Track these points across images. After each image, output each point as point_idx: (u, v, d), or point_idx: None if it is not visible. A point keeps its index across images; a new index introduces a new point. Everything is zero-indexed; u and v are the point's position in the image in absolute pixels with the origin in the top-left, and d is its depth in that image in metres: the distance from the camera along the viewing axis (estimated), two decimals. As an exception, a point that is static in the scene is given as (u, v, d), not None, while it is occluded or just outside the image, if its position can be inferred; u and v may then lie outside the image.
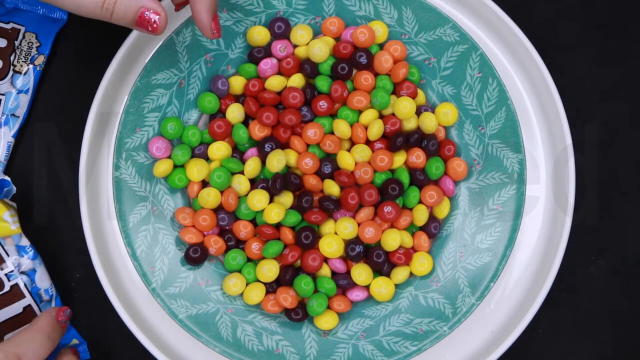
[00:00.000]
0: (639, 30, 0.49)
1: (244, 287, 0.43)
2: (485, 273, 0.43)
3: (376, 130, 0.43)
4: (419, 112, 0.44)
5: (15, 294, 0.43)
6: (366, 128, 0.44)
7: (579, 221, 0.46)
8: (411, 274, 0.44)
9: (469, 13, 0.47)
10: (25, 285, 0.44)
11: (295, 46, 0.45)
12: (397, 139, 0.43)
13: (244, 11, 0.45)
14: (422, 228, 0.45)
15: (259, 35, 0.45)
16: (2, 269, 0.43)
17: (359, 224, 0.43)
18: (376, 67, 0.44)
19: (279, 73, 0.45)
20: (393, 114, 0.44)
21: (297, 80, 0.44)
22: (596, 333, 0.47)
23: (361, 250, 0.42)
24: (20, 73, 0.46)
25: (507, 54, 0.47)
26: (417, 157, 0.44)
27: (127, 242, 0.43)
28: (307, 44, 0.45)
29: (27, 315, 0.44)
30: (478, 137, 0.45)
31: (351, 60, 0.44)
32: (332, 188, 0.43)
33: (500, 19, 0.45)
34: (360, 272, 0.43)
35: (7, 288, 0.43)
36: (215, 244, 0.43)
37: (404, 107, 0.43)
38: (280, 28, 0.45)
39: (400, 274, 0.43)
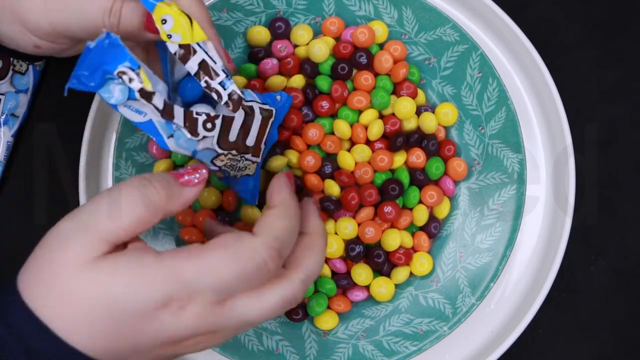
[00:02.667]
0: (639, 30, 0.49)
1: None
2: (485, 273, 0.43)
3: (376, 130, 0.43)
4: (419, 112, 0.44)
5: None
6: (366, 128, 0.44)
7: (579, 221, 0.46)
8: (411, 274, 0.44)
9: (469, 13, 0.47)
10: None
11: (295, 46, 0.45)
12: (397, 139, 0.43)
13: (244, 11, 0.45)
14: (422, 228, 0.45)
15: (259, 35, 0.45)
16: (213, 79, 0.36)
17: (359, 224, 0.43)
18: (376, 67, 0.44)
19: (279, 73, 0.45)
20: (393, 114, 0.44)
21: (297, 80, 0.44)
22: (596, 333, 0.47)
23: (361, 250, 0.42)
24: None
25: (507, 54, 0.47)
26: (417, 157, 0.44)
27: (127, 242, 0.43)
28: (307, 44, 0.44)
29: None
30: (478, 137, 0.45)
31: (351, 60, 0.44)
32: (332, 188, 0.43)
33: (500, 19, 0.45)
34: (360, 272, 0.43)
35: (225, 98, 0.36)
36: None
37: (404, 107, 0.43)
38: (281, 28, 0.45)
39: (400, 274, 0.43)
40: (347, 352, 0.43)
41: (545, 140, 0.46)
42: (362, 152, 0.43)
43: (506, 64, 0.47)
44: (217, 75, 0.35)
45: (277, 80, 0.44)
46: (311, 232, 0.35)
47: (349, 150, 0.44)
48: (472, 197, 0.45)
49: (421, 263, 0.44)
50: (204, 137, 0.35)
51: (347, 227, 0.42)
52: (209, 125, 0.35)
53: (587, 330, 0.47)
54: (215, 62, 0.35)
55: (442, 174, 0.44)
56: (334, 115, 0.44)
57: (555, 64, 0.46)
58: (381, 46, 0.45)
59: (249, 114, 0.36)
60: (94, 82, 0.31)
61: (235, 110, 0.35)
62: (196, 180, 0.33)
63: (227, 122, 0.35)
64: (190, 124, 0.34)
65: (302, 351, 0.43)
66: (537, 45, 0.45)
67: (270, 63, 0.44)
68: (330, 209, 0.42)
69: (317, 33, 0.45)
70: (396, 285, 0.44)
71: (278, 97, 0.40)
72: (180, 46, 0.34)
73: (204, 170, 0.34)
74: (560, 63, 0.48)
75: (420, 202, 0.44)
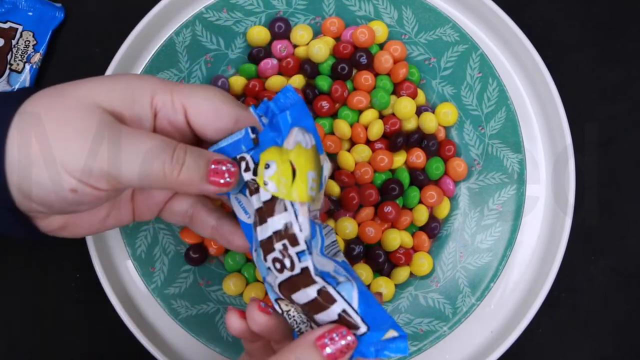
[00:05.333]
0: (639, 30, 0.49)
1: (243, 287, 0.43)
2: (485, 273, 0.43)
3: (376, 130, 0.43)
4: (419, 112, 0.44)
5: (305, 277, 0.32)
6: (366, 128, 0.44)
7: (579, 221, 0.46)
8: (411, 274, 0.44)
9: (469, 13, 0.47)
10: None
11: (295, 46, 0.45)
12: (397, 139, 0.43)
13: (244, 11, 0.45)
14: (422, 228, 0.45)
15: (259, 35, 0.45)
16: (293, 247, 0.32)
17: (359, 224, 0.43)
18: (376, 67, 0.44)
19: (279, 73, 0.45)
20: (393, 114, 0.44)
21: (297, 80, 0.44)
22: (596, 333, 0.47)
23: (361, 250, 0.42)
24: (17, 71, 0.46)
25: (507, 54, 0.47)
26: (417, 157, 0.44)
27: (127, 242, 0.43)
28: (307, 44, 0.44)
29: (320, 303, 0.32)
30: (478, 137, 0.45)
31: (351, 60, 0.44)
32: (332, 188, 0.43)
33: (500, 19, 0.45)
34: (361, 272, 0.43)
35: (297, 270, 0.32)
36: (215, 244, 0.43)
37: (404, 107, 0.43)
38: (281, 28, 0.45)
39: (400, 274, 0.43)
40: (347, 352, 0.43)
41: (545, 140, 0.46)
42: (362, 152, 0.43)
43: (506, 64, 0.47)
44: (298, 244, 0.31)
45: (277, 81, 0.44)
46: None
47: (349, 150, 0.44)
48: (472, 197, 0.45)
49: (421, 263, 0.44)
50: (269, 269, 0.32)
51: (347, 227, 0.42)
52: (277, 265, 0.32)
53: (587, 330, 0.47)
54: (301, 230, 0.31)
55: (442, 174, 0.44)
56: (334, 115, 0.44)
57: (555, 64, 0.46)
58: (381, 46, 0.45)
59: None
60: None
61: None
62: (223, 181, 0.32)
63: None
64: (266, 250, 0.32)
65: (302, 351, 0.43)
66: (537, 45, 0.45)
67: (270, 63, 0.44)
68: (330, 209, 0.43)
69: (317, 33, 0.45)
70: (396, 285, 0.44)
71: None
72: (273, 197, 0.31)
73: (233, 168, 0.32)
74: (560, 63, 0.48)
75: (420, 202, 0.44)
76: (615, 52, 0.49)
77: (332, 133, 0.44)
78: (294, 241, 0.31)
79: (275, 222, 0.31)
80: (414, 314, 0.44)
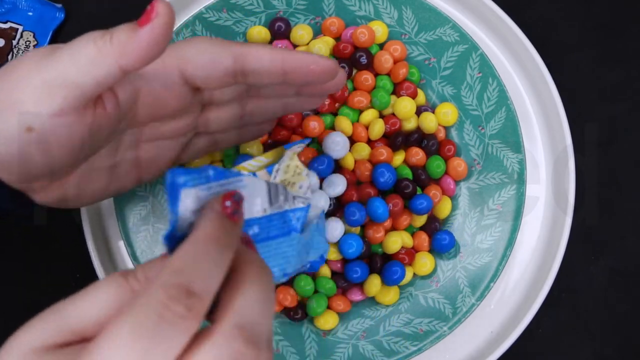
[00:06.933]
0: (639, 30, 0.49)
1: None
2: (485, 273, 0.43)
3: (377, 129, 0.43)
4: (419, 112, 0.44)
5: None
6: (366, 128, 0.44)
7: (579, 221, 0.46)
8: (413, 274, 0.44)
9: (469, 13, 0.47)
10: None
11: (295, 46, 0.45)
12: (396, 138, 0.43)
13: (244, 11, 0.45)
14: (423, 228, 0.44)
15: (259, 35, 0.45)
16: None
17: (363, 226, 0.43)
18: (376, 67, 0.44)
19: (279, 73, 0.45)
20: (393, 114, 0.44)
21: (297, 80, 0.44)
22: (596, 333, 0.47)
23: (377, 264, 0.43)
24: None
25: (507, 54, 0.47)
26: (417, 156, 0.44)
27: (127, 242, 0.43)
28: (307, 44, 0.44)
29: None
30: (478, 137, 0.45)
31: (351, 60, 0.44)
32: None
33: (500, 19, 0.45)
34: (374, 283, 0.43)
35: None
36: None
37: (404, 107, 0.43)
38: (281, 28, 0.45)
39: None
40: (347, 352, 0.43)
41: (545, 140, 0.46)
42: (362, 150, 0.43)
43: (506, 64, 0.47)
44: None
45: (277, 80, 0.44)
46: (237, 262, 0.25)
47: (349, 149, 0.44)
48: (472, 197, 0.45)
49: (423, 263, 0.43)
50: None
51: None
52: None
53: (587, 330, 0.47)
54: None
55: (443, 172, 0.44)
56: (334, 113, 0.44)
57: (555, 64, 0.46)
58: (381, 46, 0.45)
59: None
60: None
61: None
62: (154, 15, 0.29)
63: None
64: None
65: (302, 351, 0.43)
66: (537, 45, 0.45)
67: (270, 63, 0.44)
68: (330, 208, 0.42)
69: (317, 33, 0.45)
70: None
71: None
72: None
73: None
74: (560, 63, 0.48)
75: (420, 202, 0.44)
76: (615, 52, 0.49)
77: (332, 129, 0.44)
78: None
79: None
80: (414, 314, 0.44)
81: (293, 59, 0.33)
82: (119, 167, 0.36)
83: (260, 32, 0.45)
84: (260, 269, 0.25)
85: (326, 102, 0.43)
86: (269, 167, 0.34)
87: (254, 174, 0.34)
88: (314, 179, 0.37)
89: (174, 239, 0.26)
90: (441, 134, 0.45)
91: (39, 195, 0.33)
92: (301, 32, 0.44)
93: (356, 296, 0.43)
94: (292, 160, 0.35)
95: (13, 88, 0.29)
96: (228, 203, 0.26)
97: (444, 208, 0.44)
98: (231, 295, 0.24)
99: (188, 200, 0.26)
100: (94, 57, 0.29)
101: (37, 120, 0.29)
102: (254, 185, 0.30)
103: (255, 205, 0.31)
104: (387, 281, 0.42)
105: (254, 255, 0.26)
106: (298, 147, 0.36)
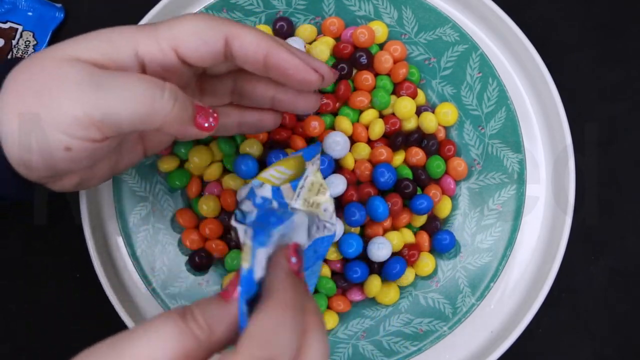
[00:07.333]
0: (639, 30, 0.49)
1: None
2: (485, 273, 0.43)
3: (378, 129, 0.43)
4: (419, 112, 0.44)
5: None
6: (367, 128, 0.44)
7: (579, 221, 0.46)
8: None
9: (469, 13, 0.47)
10: None
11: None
12: (396, 138, 0.43)
13: (244, 11, 0.45)
14: (423, 228, 0.44)
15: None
16: None
17: (363, 225, 0.43)
18: (376, 67, 0.44)
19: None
20: (393, 114, 0.44)
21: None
22: (596, 333, 0.47)
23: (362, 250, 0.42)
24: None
25: (507, 54, 0.47)
26: (417, 156, 0.44)
27: (127, 242, 0.43)
28: (310, 43, 0.45)
29: None
30: (478, 137, 0.45)
31: (351, 60, 0.44)
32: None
33: (500, 19, 0.45)
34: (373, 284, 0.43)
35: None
36: (216, 246, 0.43)
37: (404, 107, 0.43)
38: (283, 28, 0.44)
39: (405, 277, 0.43)
40: (347, 352, 0.43)
41: (545, 140, 0.46)
42: (362, 150, 0.43)
43: (506, 64, 0.47)
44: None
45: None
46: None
47: (349, 149, 0.44)
48: (472, 197, 0.45)
49: (425, 263, 0.43)
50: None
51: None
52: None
53: (587, 330, 0.47)
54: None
55: (444, 172, 0.44)
56: (334, 113, 0.44)
57: (555, 64, 0.46)
58: (381, 46, 0.45)
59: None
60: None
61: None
62: (207, 125, 0.32)
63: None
64: None
65: (302, 351, 0.43)
66: (537, 45, 0.45)
67: (270, 63, 0.44)
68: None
69: (317, 33, 0.45)
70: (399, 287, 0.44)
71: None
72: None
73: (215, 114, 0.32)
74: (560, 63, 0.48)
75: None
76: (615, 52, 0.49)
77: (332, 129, 0.44)
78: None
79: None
80: (414, 314, 0.44)
81: (276, 56, 0.33)
82: (124, 144, 0.37)
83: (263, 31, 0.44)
84: (320, 320, 0.27)
85: (327, 102, 0.43)
86: (293, 182, 0.34)
87: (278, 188, 0.33)
88: (339, 226, 0.38)
89: (248, 293, 0.27)
90: (441, 134, 0.45)
91: (55, 186, 0.34)
92: (306, 31, 0.45)
93: (356, 296, 0.43)
94: (315, 177, 0.34)
95: (57, 111, 0.30)
96: (294, 260, 0.27)
97: (444, 208, 0.44)
98: (300, 351, 0.25)
99: (261, 257, 0.27)
100: (146, 116, 0.30)
101: (76, 142, 0.30)
102: (300, 222, 0.31)
103: (301, 240, 0.31)
104: (386, 276, 0.42)
105: (313, 304, 0.27)
106: (317, 159, 0.35)
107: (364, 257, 0.43)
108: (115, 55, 0.31)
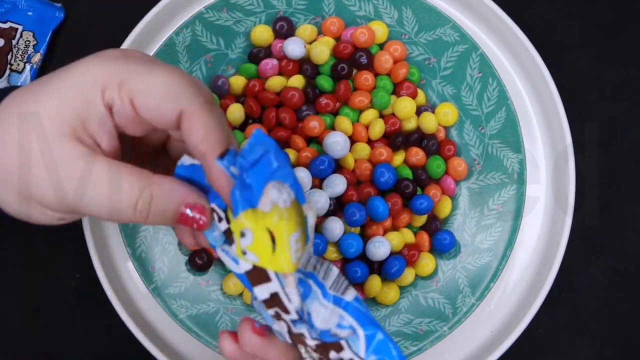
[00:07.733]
0: (639, 30, 0.49)
1: (244, 286, 0.43)
2: (485, 273, 0.43)
3: (378, 129, 0.43)
4: (419, 112, 0.44)
5: (301, 339, 0.31)
6: (367, 127, 0.44)
7: (579, 221, 0.46)
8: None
9: (469, 13, 0.47)
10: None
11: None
12: (396, 138, 0.43)
13: (244, 11, 0.45)
14: (423, 228, 0.44)
15: (262, 34, 0.44)
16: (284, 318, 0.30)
17: (363, 226, 0.43)
18: (376, 67, 0.44)
19: (280, 73, 0.45)
20: (393, 114, 0.44)
21: (297, 80, 0.44)
22: (596, 333, 0.47)
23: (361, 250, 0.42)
24: (17, 72, 0.46)
25: (507, 54, 0.47)
26: (417, 156, 0.44)
27: (127, 242, 0.43)
28: (310, 43, 0.45)
29: None
30: (478, 137, 0.45)
31: (351, 60, 0.44)
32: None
33: (500, 19, 0.45)
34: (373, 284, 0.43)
35: (296, 332, 0.30)
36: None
37: (404, 107, 0.43)
38: (283, 27, 0.44)
39: (405, 276, 0.43)
40: (347, 352, 0.43)
41: (545, 140, 0.46)
42: (362, 150, 0.43)
43: (506, 64, 0.47)
44: (289, 313, 0.29)
45: (277, 81, 0.44)
46: None
47: (349, 149, 0.44)
48: (472, 197, 0.45)
49: (425, 263, 0.43)
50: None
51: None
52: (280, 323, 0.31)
53: (587, 330, 0.47)
54: (290, 301, 0.29)
55: (444, 172, 0.44)
56: (334, 114, 0.44)
57: (555, 64, 0.46)
58: (381, 46, 0.45)
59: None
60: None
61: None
62: (191, 227, 0.30)
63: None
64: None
65: (302, 351, 0.43)
66: (537, 45, 0.45)
67: (270, 63, 0.44)
68: (330, 208, 0.42)
69: (317, 33, 0.45)
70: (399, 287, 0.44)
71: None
72: (255, 267, 0.29)
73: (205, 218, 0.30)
74: (560, 63, 0.48)
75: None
76: (615, 52, 0.49)
77: (332, 129, 0.44)
78: (285, 310, 0.29)
79: (262, 292, 0.29)
80: (414, 314, 0.44)
81: (212, 166, 0.29)
82: None
83: (263, 31, 0.45)
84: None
85: (327, 102, 0.43)
86: (307, 273, 0.31)
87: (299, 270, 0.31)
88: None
89: None
90: (441, 134, 0.45)
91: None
92: (306, 31, 0.45)
93: (356, 296, 0.43)
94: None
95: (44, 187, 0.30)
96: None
97: (444, 208, 0.44)
98: None
99: None
100: (125, 219, 0.30)
101: (65, 216, 0.32)
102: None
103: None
104: (385, 275, 0.42)
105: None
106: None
107: (364, 257, 0.43)
108: (87, 111, 0.30)
